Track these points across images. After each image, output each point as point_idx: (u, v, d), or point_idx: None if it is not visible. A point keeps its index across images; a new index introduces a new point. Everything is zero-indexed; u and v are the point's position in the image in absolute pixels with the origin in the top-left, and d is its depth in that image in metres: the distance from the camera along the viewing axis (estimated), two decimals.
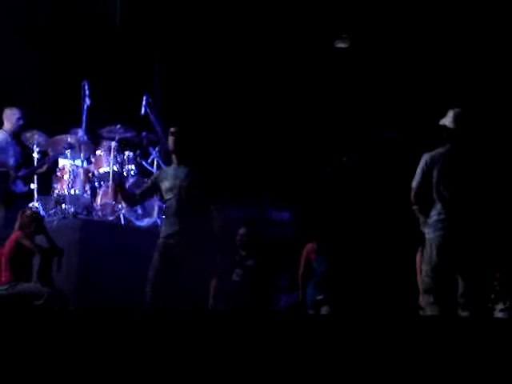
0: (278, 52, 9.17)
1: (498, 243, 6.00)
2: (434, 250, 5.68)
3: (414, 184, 5.80)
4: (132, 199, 6.49)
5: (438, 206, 5.72)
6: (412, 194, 5.83)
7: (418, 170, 5.79)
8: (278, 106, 9.34)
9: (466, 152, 5.76)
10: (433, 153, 5.80)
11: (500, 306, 7.50)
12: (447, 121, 5.78)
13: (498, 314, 7.40)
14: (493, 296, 7.57)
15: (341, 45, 9.10)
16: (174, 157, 6.15)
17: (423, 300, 5.94)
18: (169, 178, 6.09)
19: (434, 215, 5.72)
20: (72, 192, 7.90)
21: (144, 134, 8.45)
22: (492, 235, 5.84)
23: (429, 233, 5.75)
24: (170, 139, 6.08)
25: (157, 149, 8.43)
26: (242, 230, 7.94)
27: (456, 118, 5.77)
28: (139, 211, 8.02)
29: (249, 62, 9.22)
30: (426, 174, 5.75)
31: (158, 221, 8.15)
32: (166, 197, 6.08)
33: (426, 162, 5.77)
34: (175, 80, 9.24)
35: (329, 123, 9.35)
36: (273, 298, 8.14)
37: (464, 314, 5.50)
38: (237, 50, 9.17)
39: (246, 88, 9.31)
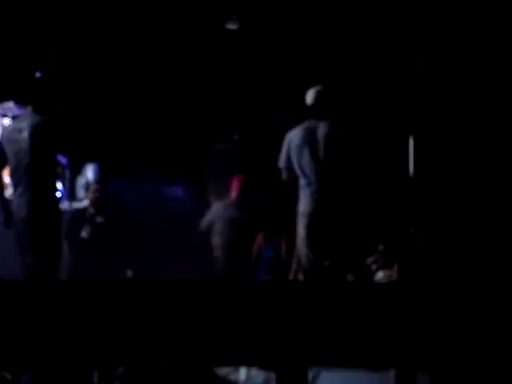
0: (168, 32, 9.21)
1: (375, 219, 6.23)
2: (302, 227, 5.88)
3: (282, 163, 5.96)
4: None
5: (301, 182, 5.90)
6: (283, 174, 5.98)
7: (283, 149, 5.95)
8: (171, 84, 9.40)
9: (322, 127, 5.94)
10: (293, 130, 5.98)
11: (381, 274, 7.91)
12: (306, 98, 6.00)
13: (378, 277, 7.86)
14: (374, 266, 7.96)
15: (231, 26, 9.20)
16: None
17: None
18: None
19: (300, 191, 5.91)
20: None
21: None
22: (360, 211, 6.06)
23: (298, 207, 5.96)
24: None
25: None
26: (93, 187, 8.04)
27: (313, 95, 5.98)
28: None
29: (140, 41, 9.24)
30: (288, 151, 5.92)
31: None
32: None
33: (287, 140, 5.95)
34: (68, 56, 9.18)
35: (221, 102, 9.46)
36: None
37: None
38: (127, 29, 9.19)
39: (137, 66, 9.33)
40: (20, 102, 8.17)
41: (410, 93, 6.08)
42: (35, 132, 6.15)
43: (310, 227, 5.79)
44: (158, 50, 9.27)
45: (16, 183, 6.20)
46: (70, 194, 8.41)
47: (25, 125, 6.22)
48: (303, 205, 5.84)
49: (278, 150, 9.11)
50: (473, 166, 6.73)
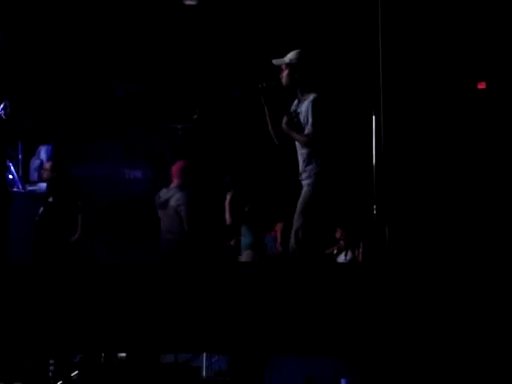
0: (126, 7, 9.07)
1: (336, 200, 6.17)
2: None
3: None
4: None
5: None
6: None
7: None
8: (129, 61, 9.26)
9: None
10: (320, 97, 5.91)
11: (342, 256, 7.93)
12: (291, 58, 5.93)
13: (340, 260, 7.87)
14: (335, 250, 7.99)
15: (189, 2, 9.10)
16: None
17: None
18: None
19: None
20: None
21: None
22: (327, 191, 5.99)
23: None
24: None
25: (1, 105, 8.20)
26: (47, 165, 7.91)
27: (300, 56, 5.91)
28: None
29: (98, 17, 9.08)
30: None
31: None
32: None
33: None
34: (21, 33, 8.98)
35: (179, 81, 9.35)
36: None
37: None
38: (86, 4, 9.02)
39: (94, 43, 9.17)
40: None
41: (372, 69, 5.99)
42: None
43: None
44: (117, 26, 9.11)
45: None
46: (23, 177, 8.25)
47: None
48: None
49: (239, 130, 9.11)
50: (437, 143, 6.69)
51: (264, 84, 5.88)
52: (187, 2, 9.08)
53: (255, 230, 7.78)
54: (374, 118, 5.96)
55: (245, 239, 7.72)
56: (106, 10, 9.04)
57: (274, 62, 5.95)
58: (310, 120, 5.76)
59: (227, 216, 7.82)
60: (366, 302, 4.29)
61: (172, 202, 7.88)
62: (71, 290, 4.21)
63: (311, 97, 5.84)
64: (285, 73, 5.91)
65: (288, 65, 5.90)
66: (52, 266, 4.89)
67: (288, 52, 6.07)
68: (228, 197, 7.84)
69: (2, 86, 6.05)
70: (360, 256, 7.79)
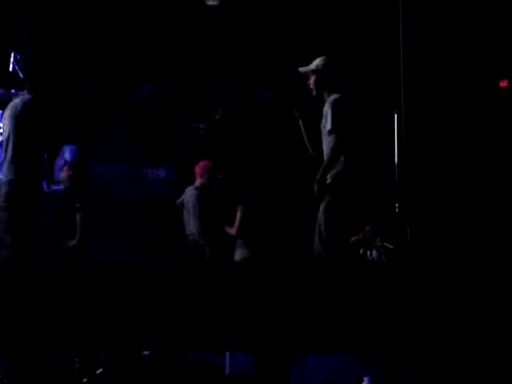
0: (150, 9, 9.11)
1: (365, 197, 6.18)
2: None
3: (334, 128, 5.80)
4: None
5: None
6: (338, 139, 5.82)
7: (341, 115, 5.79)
8: (151, 62, 9.30)
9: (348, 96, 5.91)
10: (342, 97, 5.89)
11: (375, 253, 7.92)
12: (317, 65, 5.92)
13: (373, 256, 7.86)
14: (361, 250, 7.96)
15: (212, 2, 9.12)
16: None
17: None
18: None
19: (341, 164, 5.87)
20: None
21: (13, 91, 8.28)
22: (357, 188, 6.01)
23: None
24: None
25: None
26: (64, 167, 7.99)
27: (326, 62, 5.91)
28: None
29: (120, 17, 9.12)
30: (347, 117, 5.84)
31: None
32: None
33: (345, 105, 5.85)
34: (43, 35, 9.04)
35: (202, 80, 9.38)
36: None
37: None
38: (107, 4, 9.07)
39: (117, 43, 9.22)
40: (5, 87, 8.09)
41: (394, 68, 6.00)
42: (14, 110, 6.10)
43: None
44: (139, 28, 9.15)
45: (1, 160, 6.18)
46: (48, 176, 8.30)
47: (11, 103, 6.20)
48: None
49: (260, 130, 9.13)
50: (459, 142, 6.68)
51: (291, 96, 5.89)
52: (209, 3, 9.10)
53: (252, 245, 7.80)
54: (395, 116, 5.97)
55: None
56: (129, 10, 9.10)
57: (301, 69, 5.97)
58: (329, 119, 5.77)
59: (234, 230, 7.86)
60: (389, 301, 4.30)
61: (186, 202, 7.95)
62: (94, 289, 4.25)
63: (332, 98, 5.84)
64: (312, 80, 5.93)
65: (314, 71, 5.92)
66: (74, 264, 4.92)
67: (310, 52, 6.10)
68: (239, 213, 7.86)
69: (33, 87, 6.14)
70: (382, 254, 7.79)
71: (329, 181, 5.76)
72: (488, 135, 6.90)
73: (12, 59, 8.12)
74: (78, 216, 7.60)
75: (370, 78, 7.97)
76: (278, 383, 4.54)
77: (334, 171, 5.78)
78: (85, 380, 5.58)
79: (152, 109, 9.53)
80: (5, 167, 6.06)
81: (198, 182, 8.03)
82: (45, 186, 8.17)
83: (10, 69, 8.11)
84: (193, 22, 9.19)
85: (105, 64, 9.23)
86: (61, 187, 8.17)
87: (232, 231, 7.92)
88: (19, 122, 6.01)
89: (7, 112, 6.19)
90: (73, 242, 7.51)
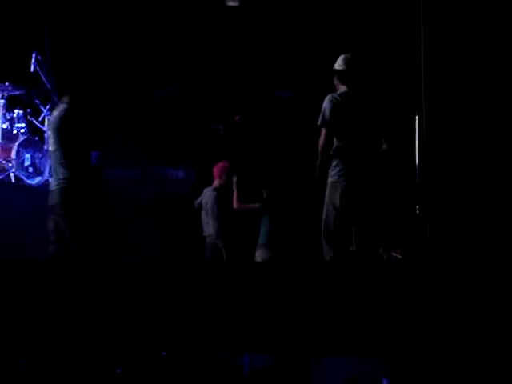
0: (169, 10, 9.12)
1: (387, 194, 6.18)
2: (338, 194, 5.79)
3: (328, 117, 5.79)
4: None
5: (342, 149, 5.80)
6: (324, 134, 5.82)
7: (328, 111, 5.81)
8: (170, 63, 9.31)
9: (362, 94, 5.88)
10: (335, 94, 5.87)
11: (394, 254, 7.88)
12: (337, 64, 5.91)
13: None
14: (381, 250, 7.90)
15: (232, 3, 9.12)
16: None
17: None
18: None
19: (337, 159, 5.82)
20: None
21: (34, 91, 8.32)
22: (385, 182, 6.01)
23: (332, 176, 5.85)
24: None
25: (48, 107, 8.32)
26: None
27: (345, 61, 5.90)
28: (30, 170, 7.93)
29: (139, 19, 9.14)
30: (335, 113, 5.81)
31: (50, 179, 8.08)
32: None
33: (334, 102, 5.83)
34: (65, 37, 9.07)
35: (221, 81, 9.38)
36: None
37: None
38: (127, 6, 9.08)
39: (136, 44, 9.24)
40: (16, 83, 8.13)
41: (415, 66, 5.97)
42: (54, 121, 6.23)
43: (344, 201, 5.74)
44: (158, 29, 9.16)
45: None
46: None
47: (50, 119, 6.46)
48: (341, 175, 5.79)
49: (280, 131, 9.11)
50: (484, 143, 6.63)
51: (237, 117, 5.98)
52: (229, 3, 9.11)
53: (274, 220, 7.69)
54: (417, 118, 5.95)
55: (262, 230, 7.68)
56: (149, 11, 9.11)
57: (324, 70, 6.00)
58: (320, 114, 5.83)
59: (234, 199, 7.80)
60: (408, 302, 4.28)
61: (205, 203, 7.95)
62: (113, 289, 4.25)
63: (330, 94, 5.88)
64: (334, 79, 5.94)
65: (336, 71, 5.93)
66: (94, 264, 4.93)
67: (330, 53, 6.09)
68: (235, 179, 7.84)
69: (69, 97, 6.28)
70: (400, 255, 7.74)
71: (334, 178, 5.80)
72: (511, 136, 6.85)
73: (33, 60, 8.17)
74: None
75: (392, 80, 7.94)
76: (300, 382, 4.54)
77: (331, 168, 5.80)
78: (104, 380, 5.60)
79: (171, 110, 9.54)
80: (54, 177, 6.20)
81: (216, 183, 8.03)
82: None
83: (31, 69, 8.16)
84: (213, 22, 9.19)
85: (124, 65, 9.26)
86: None
87: (234, 204, 7.84)
88: (60, 134, 6.13)
89: (50, 126, 6.40)
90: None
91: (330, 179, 5.84)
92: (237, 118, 8.88)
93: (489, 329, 4.23)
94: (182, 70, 9.27)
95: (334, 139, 5.81)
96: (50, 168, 8.02)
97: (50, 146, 6.27)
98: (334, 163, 5.82)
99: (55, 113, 6.30)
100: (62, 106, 6.25)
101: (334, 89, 5.98)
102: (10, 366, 5.35)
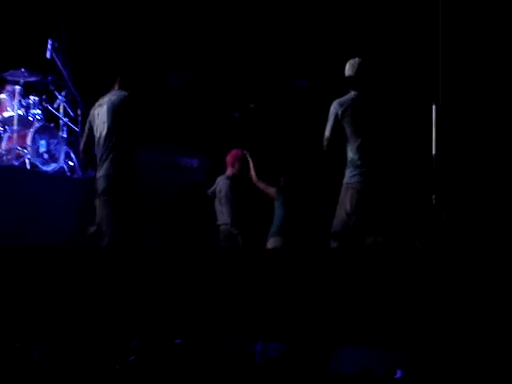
0: None
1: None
2: (350, 195, 5.77)
3: (328, 132, 5.85)
4: None
5: (353, 151, 5.80)
6: (325, 143, 5.88)
7: (331, 118, 5.84)
8: (186, 50, 9.29)
9: (372, 99, 5.87)
10: (342, 99, 5.88)
11: None
12: (346, 70, 5.91)
13: None
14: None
15: None
16: None
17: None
18: None
19: (350, 161, 5.80)
20: None
21: (50, 78, 8.33)
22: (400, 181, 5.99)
23: (345, 178, 5.84)
24: None
25: (63, 93, 8.33)
26: None
27: (352, 66, 5.89)
28: (45, 156, 7.94)
29: (156, 5, 9.12)
30: (339, 120, 5.81)
31: (65, 166, 8.10)
32: None
33: (338, 108, 5.83)
34: (81, 23, 9.07)
35: (237, 69, 9.35)
36: None
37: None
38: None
39: (152, 31, 9.22)
40: (32, 69, 8.13)
41: (432, 55, 5.93)
42: (112, 107, 6.32)
43: (358, 201, 5.74)
44: (175, 16, 9.14)
45: (98, 157, 6.40)
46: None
47: (105, 100, 6.39)
48: (351, 177, 5.79)
49: (296, 119, 9.08)
50: (501, 133, 6.59)
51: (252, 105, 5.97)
52: None
53: (289, 206, 7.65)
54: (434, 108, 5.91)
55: (276, 217, 7.64)
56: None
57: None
58: (328, 121, 5.88)
59: (252, 172, 7.78)
60: (423, 292, 4.26)
61: (218, 191, 7.93)
62: (127, 275, 4.25)
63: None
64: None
65: (345, 78, 5.94)
66: (106, 251, 4.93)
67: (347, 42, 6.08)
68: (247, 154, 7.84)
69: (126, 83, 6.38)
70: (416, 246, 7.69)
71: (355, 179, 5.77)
72: None
73: (49, 46, 8.17)
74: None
75: (409, 71, 7.89)
76: (319, 371, 4.53)
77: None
78: (117, 367, 5.61)
79: (187, 97, 9.52)
80: (102, 163, 6.30)
81: (229, 171, 8.01)
82: (80, 173, 8.24)
83: (48, 56, 8.17)
84: (229, 9, 9.16)
85: (139, 52, 9.24)
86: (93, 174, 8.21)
87: (253, 177, 7.82)
88: (118, 118, 6.26)
89: (103, 109, 6.37)
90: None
91: (344, 180, 5.85)
92: (252, 105, 8.85)
93: (507, 319, 4.21)
94: (197, 57, 9.25)
95: (347, 143, 5.81)
96: (65, 154, 8.11)
97: (97, 130, 6.34)
98: (347, 165, 5.83)
99: (114, 97, 6.36)
100: (122, 92, 6.35)
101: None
102: (25, 352, 5.37)
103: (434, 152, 5.89)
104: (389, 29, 8.23)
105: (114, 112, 6.29)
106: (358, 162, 5.77)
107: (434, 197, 5.82)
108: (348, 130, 5.82)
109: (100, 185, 6.28)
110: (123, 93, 6.36)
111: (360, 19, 8.45)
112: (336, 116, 5.82)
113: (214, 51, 9.30)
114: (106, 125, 6.32)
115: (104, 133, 6.32)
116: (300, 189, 7.73)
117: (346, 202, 5.80)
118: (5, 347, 5.21)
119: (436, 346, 4.35)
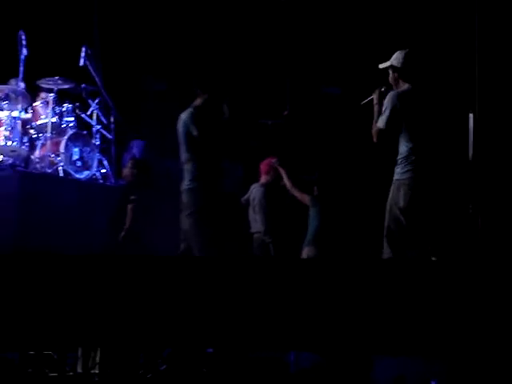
0: (219, 4, 9.10)
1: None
2: (403, 192, 5.68)
3: (383, 124, 5.71)
4: None
5: (407, 146, 5.70)
6: (379, 135, 5.72)
7: (388, 110, 5.69)
8: (219, 57, 9.28)
9: (425, 91, 5.78)
10: (400, 91, 5.76)
11: None
12: (396, 61, 5.79)
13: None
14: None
15: None
16: None
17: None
18: None
19: (403, 156, 5.73)
20: (9, 144, 7.78)
21: (83, 85, 8.36)
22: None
23: (397, 174, 5.75)
24: None
25: (96, 101, 8.36)
26: (128, 163, 8.05)
27: (405, 57, 5.79)
28: (78, 164, 7.97)
29: (187, 12, 9.13)
30: (397, 113, 5.69)
31: (97, 173, 8.12)
32: None
33: (397, 100, 5.71)
34: (114, 31, 9.09)
35: (270, 76, 9.33)
36: None
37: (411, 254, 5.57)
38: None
39: (185, 37, 9.22)
40: (65, 77, 8.17)
41: (469, 64, 5.84)
42: (180, 129, 6.39)
43: (411, 198, 5.63)
44: (209, 23, 9.14)
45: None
46: (117, 171, 8.36)
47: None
48: (403, 173, 5.69)
49: (328, 127, 9.04)
50: None
51: (383, 89, 5.82)
52: None
53: (324, 215, 7.57)
54: (471, 116, 5.84)
55: (310, 227, 7.57)
56: (198, 4, 9.10)
57: (380, 66, 5.88)
58: (384, 113, 5.68)
59: (286, 180, 7.73)
60: (458, 302, 4.20)
61: (252, 199, 7.90)
62: (159, 284, 4.23)
63: (395, 90, 5.74)
64: (390, 76, 5.83)
65: (392, 67, 5.82)
66: (135, 259, 4.91)
67: (381, 49, 6.00)
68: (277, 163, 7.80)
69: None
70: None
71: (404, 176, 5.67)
72: None
73: (83, 54, 8.21)
74: (129, 207, 7.65)
75: (446, 78, 7.81)
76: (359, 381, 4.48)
77: (402, 168, 5.68)
78: (149, 376, 5.59)
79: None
80: (186, 177, 6.37)
81: (263, 179, 7.98)
82: (112, 181, 8.25)
83: (81, 63, 8.21)
84: (263, 17, 9.14)
85: (171, 57, 9.25)
86: (124, 182, 8.21)
87: (287, 183, 7.78)
88: (186, 137, 6.34)
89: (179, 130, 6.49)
90: (121, 233, 7.57)
91: (395, 177, 5.71)
92: (285, 113, 8.81)
93: None
94: (232, 64, 9.23)
95: (400, 138, 5.68)
96: (98, 162, 8.13)
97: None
98: (399, 161, 5.69)
99: (183, 115, 6.41)
100: (188, 110, 6.42)
101: (383, 85, 5.86)
102: (58, 359, 5.38)
103: (470, 160, 5.81)
104: (424, 37, 8.16)
105: (182, 133, 6.40)
106: (412, 157, 5.63)
107: (470, 206, 5.74)
108: (404, 124, 5.68)
109: (182, 199, 6.39)
110: (188, 111, 6.43)
111: (396, 28, 8.39)
112: (394, 107, 5.68)
113: (247, 59, 9.28)
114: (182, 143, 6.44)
115: (183, 150, 6.43)
116: (335, 197, 7.67)
117: (399, 199, 5.65)
118: (38, 353, 5.23)
119: (471, 357, 4.28)
